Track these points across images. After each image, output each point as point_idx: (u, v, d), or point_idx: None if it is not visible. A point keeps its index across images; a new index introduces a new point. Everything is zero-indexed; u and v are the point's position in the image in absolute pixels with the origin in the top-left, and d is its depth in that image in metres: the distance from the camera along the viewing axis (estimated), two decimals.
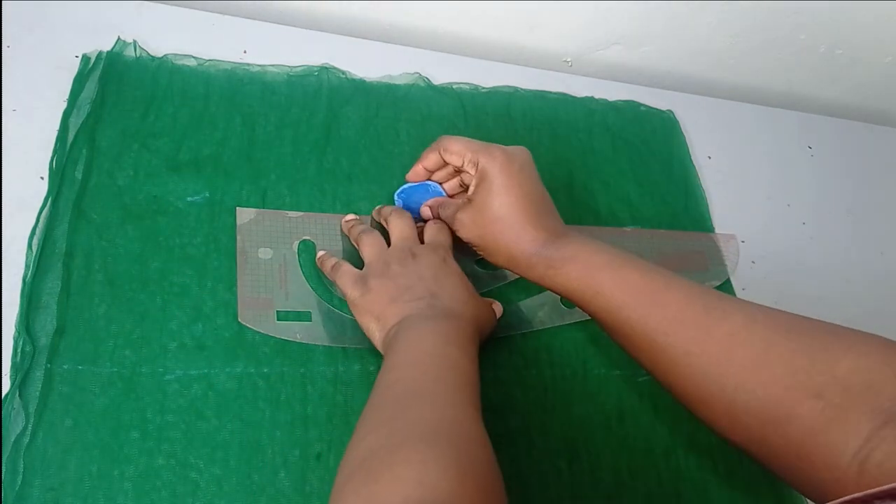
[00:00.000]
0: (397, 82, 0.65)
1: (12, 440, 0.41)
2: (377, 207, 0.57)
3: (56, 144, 0.50)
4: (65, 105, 0.52)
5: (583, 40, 0.77)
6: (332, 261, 0.52)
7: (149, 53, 0.57)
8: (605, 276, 0.46)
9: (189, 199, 0.52)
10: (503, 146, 0.50)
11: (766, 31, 0.78)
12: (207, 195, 0.52)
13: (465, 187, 0.54)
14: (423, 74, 0.66)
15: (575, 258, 0.47)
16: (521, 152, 0.50)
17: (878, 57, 0.83)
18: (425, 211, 0.56)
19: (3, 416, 0.41)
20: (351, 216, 0.55)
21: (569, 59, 0.79)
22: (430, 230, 0.54)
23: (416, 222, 0.55)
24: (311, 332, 0.49)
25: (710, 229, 0.68)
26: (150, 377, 0.45)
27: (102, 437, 0.42)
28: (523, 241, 0.48)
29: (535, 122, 0.68)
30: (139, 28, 0.58)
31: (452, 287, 0.49)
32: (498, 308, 0.52)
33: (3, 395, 0.42)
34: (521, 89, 0.69)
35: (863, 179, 0.82)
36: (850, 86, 0.88)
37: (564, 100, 0.71)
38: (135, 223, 0.50)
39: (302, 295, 0.51)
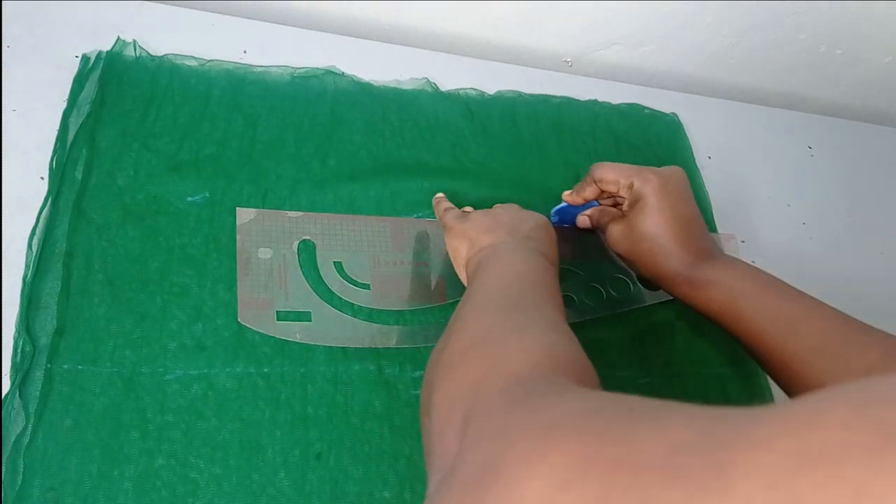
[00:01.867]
0: (405, 87, 0.65)
1: (12, 440, 0.41)
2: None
3: (56, 144, 0.50)
4: (65, 105, 0.52)
5: (583, 40, 0.77)
6: (447, 203, 0.55)
7: (149, 53, 0.57)
8: (745, 303, 0.47)
9: (189, 199, 0.52)
10: (657, 169, 0.52)
11: (766, 31, 0.78)
12: (207, 195, 0.52)
13: (620, 205, 0.56)
14: (430, 79, 0.66)
15: (717, 282, 0.49)
16: (675, 174, 0.52)
17: (878, 57, 0.83)
18: (583, 220, 0.58)
19: (3, 416, 0.41)
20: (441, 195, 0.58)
21: (569, 59, 0.79)
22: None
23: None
24: (310, 332, 0.49)
25: (713, 231, 0.68)
26: (150, 377, 0.45)
27: (102, 437, 0.42)
28: (670, 260, 0.51)
29: (540, 126, 0.68)
30: (139, 28, 0.58)
31: (547, 240, 0.50)
32: None
33: (4, 395, 0.41)
34: (526, 94, 0.69)
35: (863, 179, 0.82)
36: (850, 86, 0.88)
37: (569, 103, 0.71)
38: (135, 223, 0.50)
39: (302, 295, 0.51)
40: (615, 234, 0.54)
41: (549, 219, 0.59)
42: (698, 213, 0.53)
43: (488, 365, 0.33)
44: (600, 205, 0.58)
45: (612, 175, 0.53)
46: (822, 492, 0.15)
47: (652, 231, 0.51)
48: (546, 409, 0.26)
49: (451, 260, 0.52)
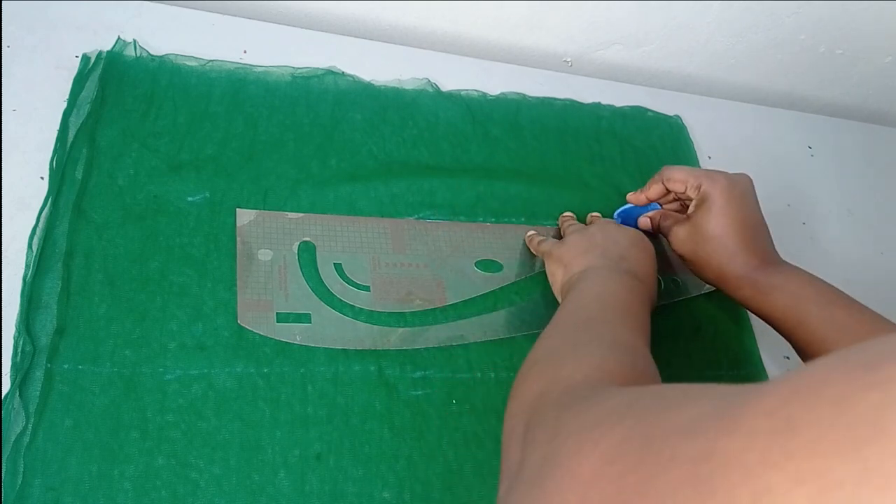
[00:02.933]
0: (406, 87, 0.65)
1: (13, 440, 0.41)
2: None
3: (56, 144, 0.50)
4: (65, 105, 0.52)
5: (583, 40, 0.77)
6: (539, 237, 0.58)
7: (149, 53, 0.57)
8: (811, 309, 0.48)
9: (189, 198, 0.52)
10: (726, 172, 0.53)
11: (766, 31, 0.78)
12: (207, 195, 0.52)
13: (684, 209, 0.57)
14: (431, 80, 0.65)
15: (783, 287, 0.50)
16: (743, 179, 0.53)
17: (878, 57, 0.83)
18: (644, 221, 0.59)
19: (3, 415, 0.41)
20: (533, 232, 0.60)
21: (569, 59, 0.79)
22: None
23: None
24: (310, 334, 0.49)
25: None
26: (150, 377, 0.45)
27: (102, 437, 0.42)
28: (734, 262, 0.51)
29: (544, 129, 0.68)
30: (139, 28, 0.58)
31: (642, 258, 0.52)
32: None
33: (4, 394, 0.41)
34: (529, 97, 0.69)
35: (863, 179, 0.82)
36: (850, 86, 0.88)
37: (572, 106, 0.71)
38: (135, 223, 0.50)
39: (302, 296, 0.51)
40: (680, 234, 0.54)
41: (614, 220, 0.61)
42: (763, 220, 0.54)
43: (546, 381, 0.36)
44: (662, 208, 0.59)
45: (680, 175, 0.54)
46: (810, 409, 0.18)
47: (717, 232, 0.52)
48: (590, 408, 0.29)
49: (550, 284, 0.54)
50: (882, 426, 0.16)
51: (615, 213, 0.61)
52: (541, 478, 0.27)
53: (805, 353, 0.49)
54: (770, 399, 0.20)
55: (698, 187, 0.53)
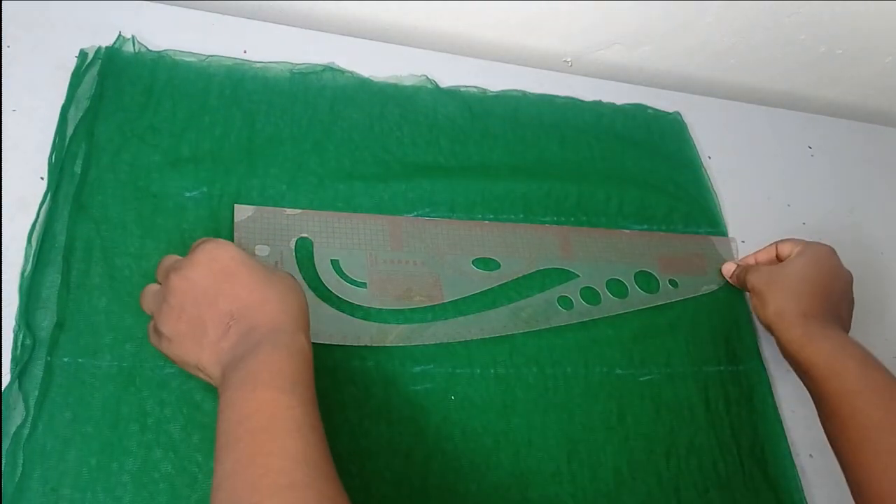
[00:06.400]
0: (404, 83, 0.65)
1: (12, 432, 0.41)
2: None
3: (55, 139, 0.51)
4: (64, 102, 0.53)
5: (583, 40, 0.77)
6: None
7: (148, 49, 0.57)
8: (852, 364, 0.51)
9: (187, 194, 0.52)
10: (810, 244, 0.60)
11: (766, 31, 0.78)
12: (205, 190, 0.53)
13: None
14: (429, 76, 0.66)
15: (832, 338, 0.53)
16: (820, 251, 0.60)
17: (878, 57, 0.83)
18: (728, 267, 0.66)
19: (3, 408, 0.41)
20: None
21: (569, 59, 0.79)
22: (205, 242, 0.42)
23: None
24: None
25: (724, 233, 0.69)
26: (150, 371, 0.45)
27: (102, 430, 0.43)
28: (798, 304, 0.55)
29: (543, 126, 0.68)
30: (139, 27, 0.58)
31: (249, 290, 0.40)
32: None
33: (4, 387, 0.42)
34: (530, 93, 0.69)
35: (863, 179, 0.82)
36: (850, 86, 0.88)
37: (573, 104, 0.71)
38: (134, 218, 0.50)
39: None
40: (762, 268, 0.61)
41: None
42: (849, 301, 0.60)
43: None
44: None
45: (785, 249, 0.62)
46: None
47: (796, 272, 0.58)
48: None
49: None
50: None
51: None
52: None
53: (830, 403, 0.50)
54: None
55: (799, 250, 0.59)
